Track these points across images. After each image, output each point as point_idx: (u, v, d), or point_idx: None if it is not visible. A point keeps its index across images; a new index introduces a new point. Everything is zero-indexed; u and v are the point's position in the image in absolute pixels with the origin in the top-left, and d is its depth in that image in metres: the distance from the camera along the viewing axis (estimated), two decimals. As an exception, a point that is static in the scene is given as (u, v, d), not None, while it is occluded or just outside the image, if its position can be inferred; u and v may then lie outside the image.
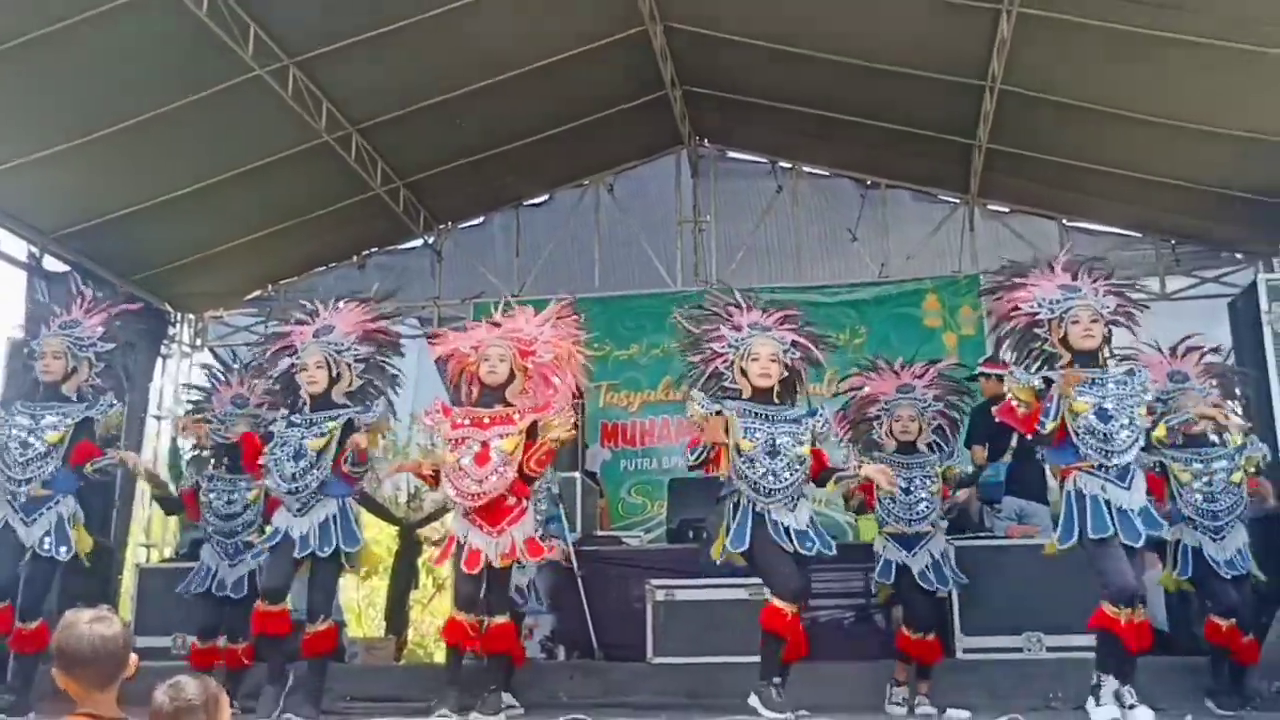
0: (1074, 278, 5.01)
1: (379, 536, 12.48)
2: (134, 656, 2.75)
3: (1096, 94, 7.90)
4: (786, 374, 5.11)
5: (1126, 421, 4.70)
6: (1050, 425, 4.75)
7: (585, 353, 5.47)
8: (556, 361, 5.20)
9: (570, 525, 7.50)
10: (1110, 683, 4.62)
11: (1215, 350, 6.05)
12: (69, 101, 7.54)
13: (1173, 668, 5.82)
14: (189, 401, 7.01)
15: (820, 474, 5.10)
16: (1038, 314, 4.95)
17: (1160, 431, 5.18)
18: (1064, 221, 10.14)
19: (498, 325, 5.29)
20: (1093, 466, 4.70)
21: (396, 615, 11.07)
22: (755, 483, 4.91)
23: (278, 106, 8.08)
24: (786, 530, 4.88)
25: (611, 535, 8.25)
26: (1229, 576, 5.46)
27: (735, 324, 5.21)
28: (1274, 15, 6.51)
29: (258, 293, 11.01)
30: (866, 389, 6.01)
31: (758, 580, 6.40)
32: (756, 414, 5.00)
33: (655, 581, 6.79)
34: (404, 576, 11.29)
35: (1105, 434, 4.68)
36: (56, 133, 7.76)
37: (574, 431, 5.33)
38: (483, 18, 7.74)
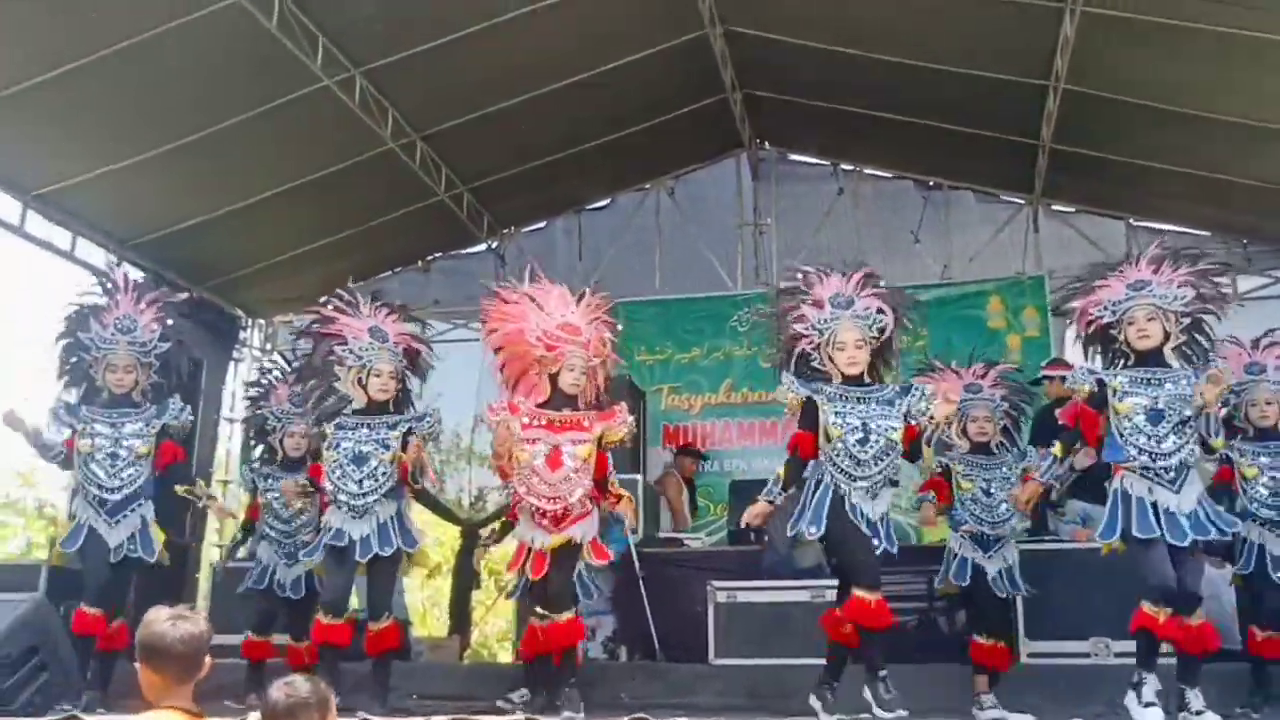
0: (1156, 270, 4.93)
1: (442, 537, 12.63)
2: (208, 658, 2.86)
3: (1162, 93, 7.80)
4: (877, 344, 5.01)
5: (1179, 422, 4.69)
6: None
7: (615, 354, 5.44)
8: (600, 364, 5.23)
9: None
10: (1152, 681, 4.63)
11: None
12: (145, 114, 7.76)
13: (1243, 673, 5.70)
14: (246, 399, 7.13)
15: (911, 446, 5.00)
16: (1102, 318, 4.95)
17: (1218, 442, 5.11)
18: (1131, 221, 10.02)
19: (533, 299, 5.24)
20: (1141, 468, 4.69)
21: (459, 615, 11.19)
22: (843, 468, 4.79)
23: (345, 115, 8.23)
24: (864, 517, 4.76)
25: (673, 537, 8.28)
26: None
27: (816, 299, 5.07)
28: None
29: (325, 297, 11.18)
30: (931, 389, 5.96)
31: (820, 582, 6.46)
32: (848, 397, 4.87)
33: (717, 583, 6.80)
34: (466, 577, 11.40)
35: (1154, 435, 4.67)
36: (133, 144, 7.98)
37: (632, 430, 5.30)
38: (543, 25, 7.82)
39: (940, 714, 5.50)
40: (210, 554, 10.39)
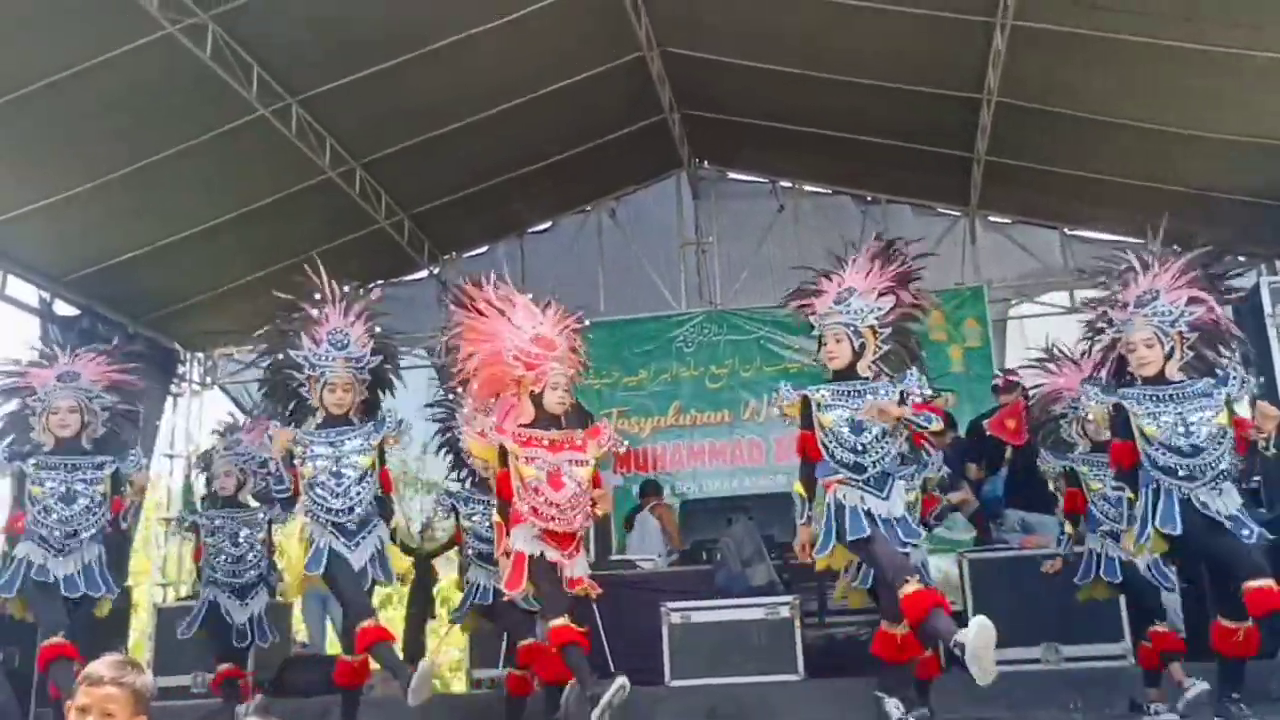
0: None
1: (394, 566, 12.46)
2: None
3: (1092, 104, 7.96)
4: (1192, 337, 4.68)
5: (879, 433, 4.71)
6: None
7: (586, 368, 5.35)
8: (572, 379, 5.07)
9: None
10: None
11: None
12: (76, 147, 7.64)
13: (1190, 673, 5.77)
14: (434, 420, 6.70)
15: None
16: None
17: None
18: (1065, 230, 10.21)
19: (497, 310, 5.07)
20: (849, 479, 4.69)
21: (413, 645, 11.04)
22: (1169, 468, 4.52)
23: (282, 145, 8.17)
24: (1219, 514, 4.46)
25: (625, 559, 8.25)
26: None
27: (1124, 300, 4.82)
28: (1261, 19, 6.57)
29: (266, 329, 11.06)
30: (1047, 385, 5.78)
31: (774, 599, 6.48)
32: (1157, 396, 4.61)
33: (670, 604, 6.77)
34: (420, 607, 11.27)
35: (857, 445, 4.71)
36: (65, 178, 7.85)
37: (616, 448, 5.22)
38: (481, 50, 7.82)
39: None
40: (153, 594, 10.19)
